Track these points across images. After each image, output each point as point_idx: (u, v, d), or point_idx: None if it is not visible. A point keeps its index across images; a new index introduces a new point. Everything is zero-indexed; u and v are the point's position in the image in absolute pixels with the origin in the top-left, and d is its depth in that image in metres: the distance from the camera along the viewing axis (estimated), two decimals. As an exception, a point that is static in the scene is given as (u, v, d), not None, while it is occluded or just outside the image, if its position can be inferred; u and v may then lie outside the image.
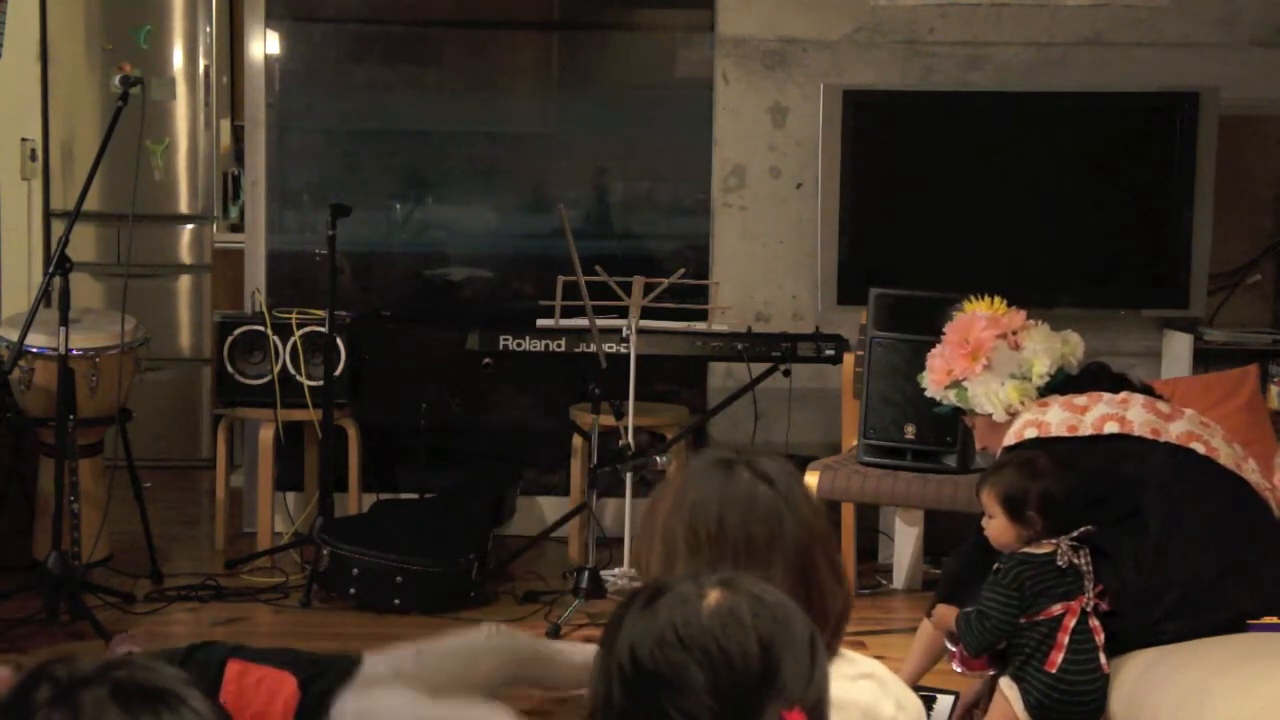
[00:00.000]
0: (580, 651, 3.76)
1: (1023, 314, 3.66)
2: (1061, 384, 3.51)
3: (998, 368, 3.59)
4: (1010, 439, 3.39)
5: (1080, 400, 3.36)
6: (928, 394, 3.75)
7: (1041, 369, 3.53)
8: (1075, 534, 3.13)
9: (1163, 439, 3.24)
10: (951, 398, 3.67)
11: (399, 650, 3.46)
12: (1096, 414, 3.30)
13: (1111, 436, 3.26)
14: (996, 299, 3.72)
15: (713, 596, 1.44)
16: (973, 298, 3.76)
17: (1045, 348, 3.55)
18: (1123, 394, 3.37)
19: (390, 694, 3.10)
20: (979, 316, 3.67)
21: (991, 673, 3.25)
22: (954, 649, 3.27)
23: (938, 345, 3.71)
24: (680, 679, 1.39)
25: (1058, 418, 3.34)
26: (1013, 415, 3.54)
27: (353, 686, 3.14)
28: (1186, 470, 3.21)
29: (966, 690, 3.52)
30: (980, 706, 3.49)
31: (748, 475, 1.92)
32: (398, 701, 3.09)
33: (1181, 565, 3.10)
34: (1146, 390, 3.48)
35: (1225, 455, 3.24)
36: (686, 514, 1.91)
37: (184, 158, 6.71)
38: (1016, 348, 3.59)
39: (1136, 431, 3.25)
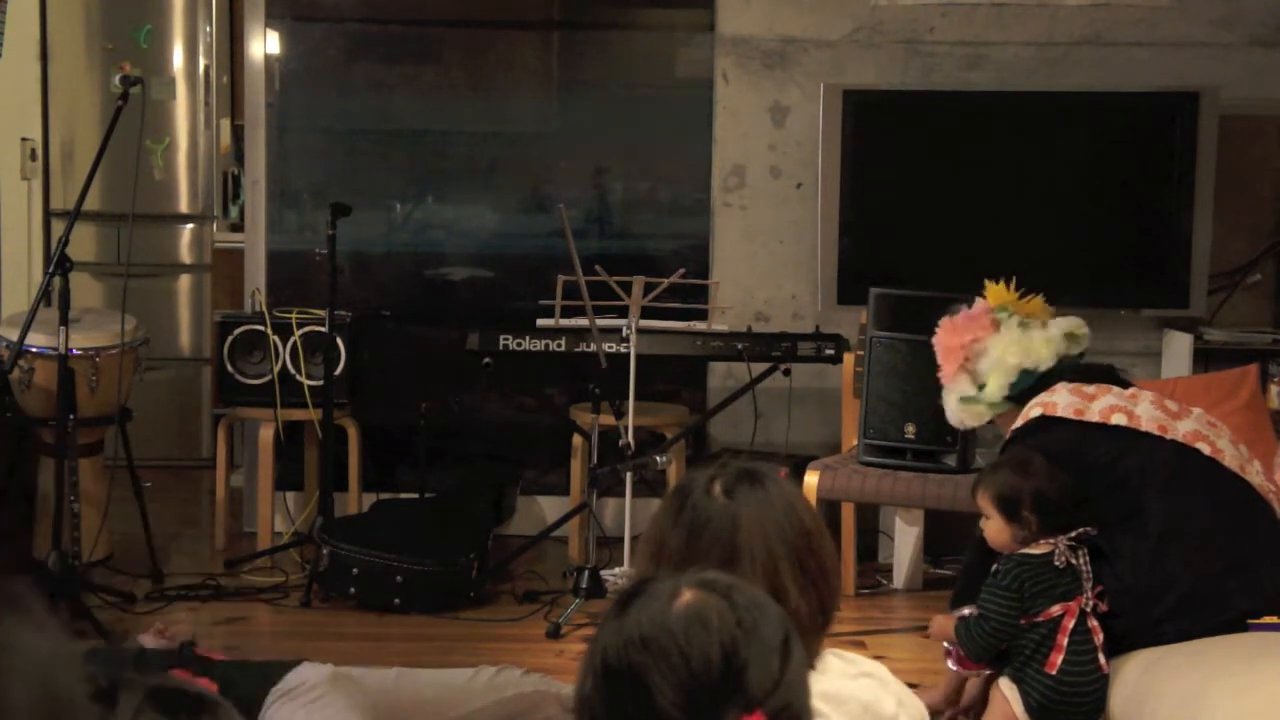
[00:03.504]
0: None
1: (989, 321, 3.68)
2: (1032, 387, 3.53)
3: (958, 380, 3.68)
4: (1019, 421, 3.41)
5: (1089, 389, 3.37)
6: None
7: (995, 387, 3.58)
8: (1073, 534, 3.13)
9: (1169, 436, 3.23)
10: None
11: (380, 670, 3.47)
12: (1104, 404, 3.30)
13: (1117, 429, 3.25)
14: (1011, 283, 3.75)
15: (684, 597, 1.45)
16: (989, 283, 3.78)
17: (999, 361, 3.59)
18: (1131, 389, 3.37)
19: (313, 713, 3.16)
20: (965, 316, 3.72)
21: (988, 672, 3.25)
22: (950, 647, 3.28)
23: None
24: (643, 680, 1.40)
25: (1065, 400, 3.34)
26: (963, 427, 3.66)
27: (280, 693, 3.20)
28: (1190, 471, 3.20)
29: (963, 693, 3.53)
30: (973, 710, 3.51)
31: (716, 487, 1.96)
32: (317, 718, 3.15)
33: (1182, 566, 3.10)
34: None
35: (1230, 456, 3.22)
36: (653, 521, 2.00)
37: (184, 158, 6.70)
38: (976, 358, 3.64)
39: (1144, 427, 3.24)
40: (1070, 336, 3.65)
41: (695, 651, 1.41)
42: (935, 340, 3.80)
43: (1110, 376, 3.49)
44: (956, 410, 3.71)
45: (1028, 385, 3.53)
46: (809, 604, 1.91)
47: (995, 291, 3.77)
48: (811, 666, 1.91)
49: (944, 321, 3.80)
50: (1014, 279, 3.81)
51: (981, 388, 3.63)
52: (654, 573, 1.78)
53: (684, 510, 1.95)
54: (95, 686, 1.31)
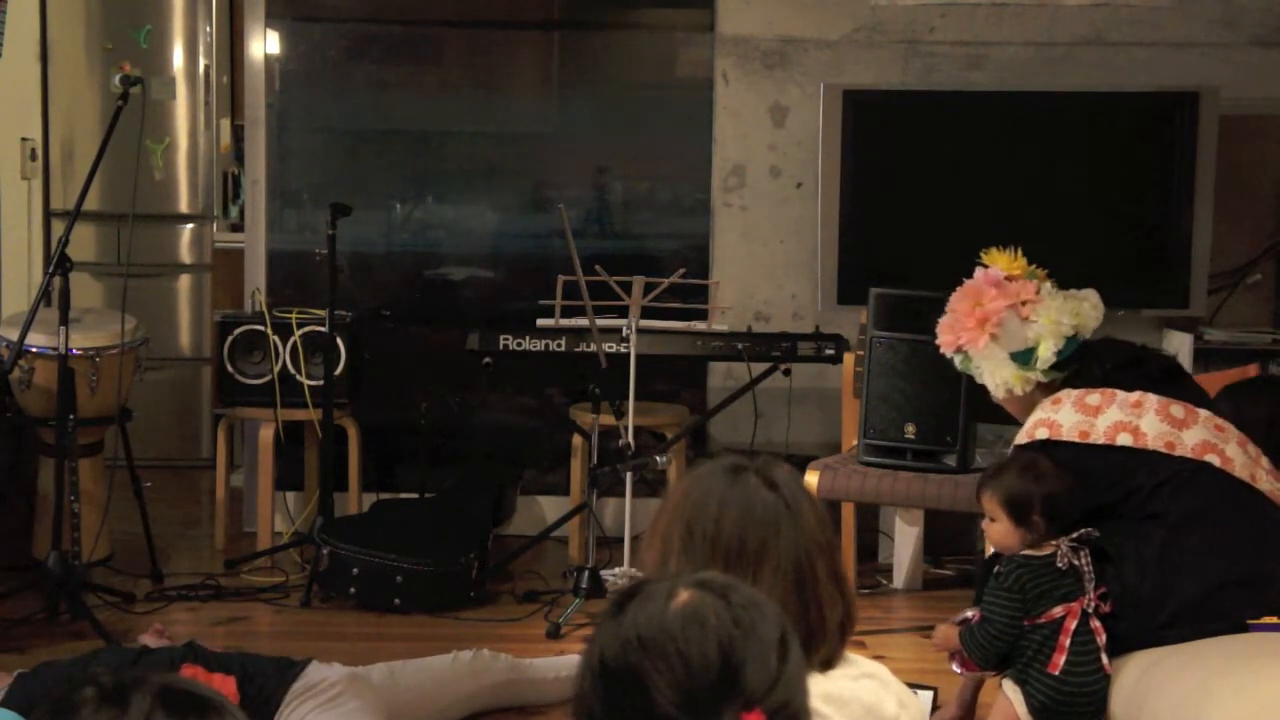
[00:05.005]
0: (554, 666, 3.87)
1: (1033, 285, 3.53)
2: (1073, 355, 3.42)
3: (1004, 342, 3.46)
4: (1022, 437, 3.33)
5: (1093, 400, 3.26)
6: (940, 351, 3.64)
7: (1047, 353, 3.43)
8: (1075, 535, 3.12)
9: (1177, 453, 3.15)
10: (958, 363, 3.59)
11: (372, 666, 3.61)
12: (1109, 421, 3.20)
13: (1123, 449, 3.17)
14: (1018, 253, 3.60)
15: (681, 597, 1.45)
16: (995, 249, 3.64)
17: (1052, 328, 3.43)
18: (1136, 395, 3.24)
19: (330, 712, 3.25)
20: (990, 280, 3.53)
21: (994, 674, 3.24)
22: (955, 651, 3.27)
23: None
24: (640, 680, 1.41)
25: (1070, 420, 3.24)
26: (1011, 395, 3.48)
27: (298, 692, 3.30)
28: (1198, 482, 3.13)
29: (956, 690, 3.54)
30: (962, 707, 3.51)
31: (754, 481, 1.94)
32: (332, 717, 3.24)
33: (1186, 573, 3.06)
34: (1171, 373, 3.41)
35: (1240, 465, 3.15)
36: (686, 513, 1.93)
37: (184, 158, 6.71)
38: (1025, 320, 3.47)
39: (1150, 445, 3.15)
40: (1098, 306, 3.55)
41: (693, 651, 1.41)
42: (956, 305, 3.57)
43: (1130, 353, 3.42)
44: (1007, 377, 3.45)
45: (1069, 353, 3.43)
46: (843, 607, 1.92)
47: (1005, 259, 3.56)
48: (831, 666, 1.91)
49: (968, 287, 3.58)
50: (1018, 249, 3.65)
51: (1027, 353, 3.46)
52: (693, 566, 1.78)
53: (728, 504, 1.91)
54: (103, 687, 1.31)
